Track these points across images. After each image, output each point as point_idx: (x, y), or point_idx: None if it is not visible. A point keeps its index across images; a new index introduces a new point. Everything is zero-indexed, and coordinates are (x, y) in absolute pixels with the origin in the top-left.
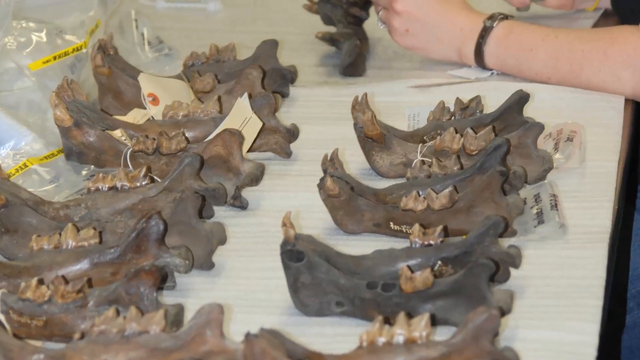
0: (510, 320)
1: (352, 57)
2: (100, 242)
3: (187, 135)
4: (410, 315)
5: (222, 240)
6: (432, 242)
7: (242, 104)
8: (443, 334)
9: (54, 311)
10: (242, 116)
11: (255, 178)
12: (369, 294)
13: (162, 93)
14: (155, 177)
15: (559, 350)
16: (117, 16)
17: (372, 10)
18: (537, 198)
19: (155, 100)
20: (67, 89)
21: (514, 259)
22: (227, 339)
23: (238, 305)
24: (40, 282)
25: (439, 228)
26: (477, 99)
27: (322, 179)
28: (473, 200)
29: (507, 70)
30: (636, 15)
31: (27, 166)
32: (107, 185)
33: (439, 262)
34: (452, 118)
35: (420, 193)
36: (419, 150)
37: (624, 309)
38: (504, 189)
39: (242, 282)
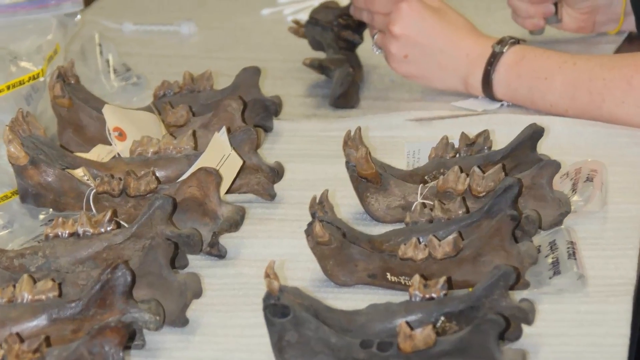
0: None
1: (344, 86)
2: (60, 295)
3: (157, 174)
4: None
5: (197, 293)
6: (434, 295)
7: (220, 139)
8: None
9: None
10: (219, 153)
11: (235, 223)
12: (363, 354)
13: (129, 127)
14: (122, 222)
15: None
16: (79, 40)
17: (366, 33)
18: (552, 246)
19: (121, 135)
20: (22, 122)
21: (526, 315)
22: None
23: None
24: None
25: (442, 279)
26: (484, 134)
27: (310, 224)
28: (480, 248)
29: (518, 101)
30: None
31: None
32: (67, 231)
33: (442, 318)
34: (457, 155)
35: (421, 240)
36: (419, 192)
37: None
38: (515, 235)
39: (220, 341)
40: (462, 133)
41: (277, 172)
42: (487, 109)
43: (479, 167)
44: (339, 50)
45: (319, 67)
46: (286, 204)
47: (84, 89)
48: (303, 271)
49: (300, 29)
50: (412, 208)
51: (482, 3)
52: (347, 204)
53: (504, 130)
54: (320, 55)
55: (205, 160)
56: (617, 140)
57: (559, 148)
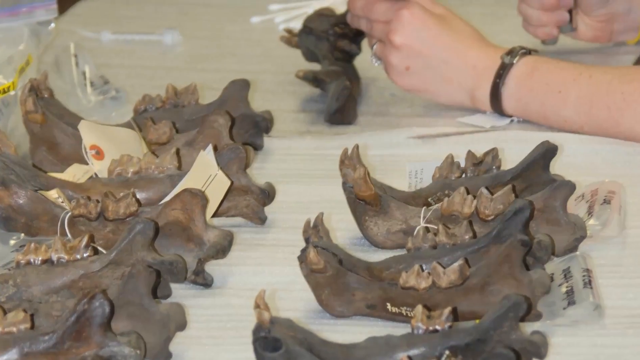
0: None
1: (340, 101)
2: (32, 327)
3: (138, 196)
4: None
5: (182, 325)
6: (438, 327)
7: (206, 158)
8: None
9: None
10: (205, 173)
11: (222, 249)
12: None
13: (107, 145)
14: (100, 248)
15: None
16: (53, 51)
17: (364, 43)
18: (567, 273)
19: (99, 154)
20: None
21: (538, 348)
22: None
23: None
24: None
25: (447, 310)
26: (493, 153)
27: (303, 251)
28: (488, 276)
29: (530, 116)
30: None
31: None
32: (40, 258)
33: (447, 352)
34: (463, 175)
35: (424, 267)
36: (422, 215)
37: None
38: (526, 262)
39: None
40: (469, 151)
41: (267, 194)
42: (495, 125)
43: (487, 188)
44: (335, 61)
45: (313, 79)
46: (278, 228)
47: (59, 103)
48: (296, 301)
49: (293, 39)
50: (415, 233)
51: (489, 10)
52: (343, 229)
53: (514, 148)
54: (315, 66)
55: (189, 180)
56: (636, 159)
57: (574, 168)
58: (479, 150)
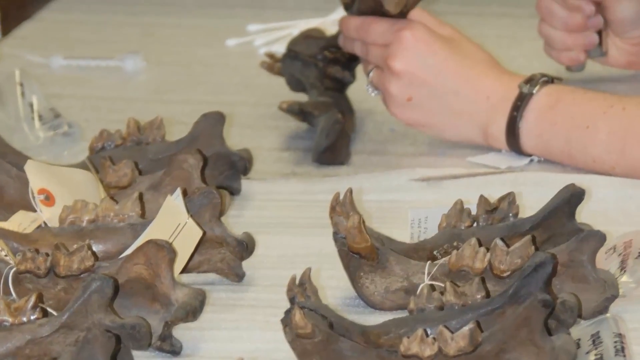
0: None
1: (330, 137)
2: None
3: (94, 249)
4: None
5: None
6: None
7: (174, 204)
8: None
9: None
10: (173, 222)
11: (193, 310)
12: None
13: (58, 189)
14: (49, 310)
15: None
16: None
17: (359, 70)
18: (595, 339)
19: (49, 199)
20: None
21: None
22: None
23: None
24: None
25: None
26: (509, 198)
27: (287, 312)
28: (504, 342)
29: (552, 155)
30: None
31: None
32: None
33: None
34: (474, 225)
35: (429, 332)
36: (426, 271)
37: None
38: (548, 326)
39: None
40: (481, 196)
41: (246, 246)
42: (512, 166)
43: (502, 239)
44: (325, 91)
45: (299, 112)
46: (257, 286)
47: (2, 140)
48: None
49: (275, 65)
50: (418, 291)
51: (506, 32)
52: (334, 287)
53: (534, 192)
54: (301, 97)
55: (155, 230)
56: None
57: (604, 215)
58: (493, 195)
